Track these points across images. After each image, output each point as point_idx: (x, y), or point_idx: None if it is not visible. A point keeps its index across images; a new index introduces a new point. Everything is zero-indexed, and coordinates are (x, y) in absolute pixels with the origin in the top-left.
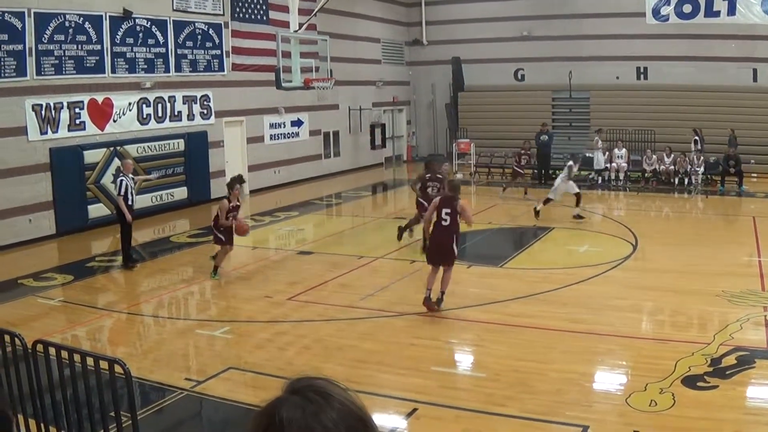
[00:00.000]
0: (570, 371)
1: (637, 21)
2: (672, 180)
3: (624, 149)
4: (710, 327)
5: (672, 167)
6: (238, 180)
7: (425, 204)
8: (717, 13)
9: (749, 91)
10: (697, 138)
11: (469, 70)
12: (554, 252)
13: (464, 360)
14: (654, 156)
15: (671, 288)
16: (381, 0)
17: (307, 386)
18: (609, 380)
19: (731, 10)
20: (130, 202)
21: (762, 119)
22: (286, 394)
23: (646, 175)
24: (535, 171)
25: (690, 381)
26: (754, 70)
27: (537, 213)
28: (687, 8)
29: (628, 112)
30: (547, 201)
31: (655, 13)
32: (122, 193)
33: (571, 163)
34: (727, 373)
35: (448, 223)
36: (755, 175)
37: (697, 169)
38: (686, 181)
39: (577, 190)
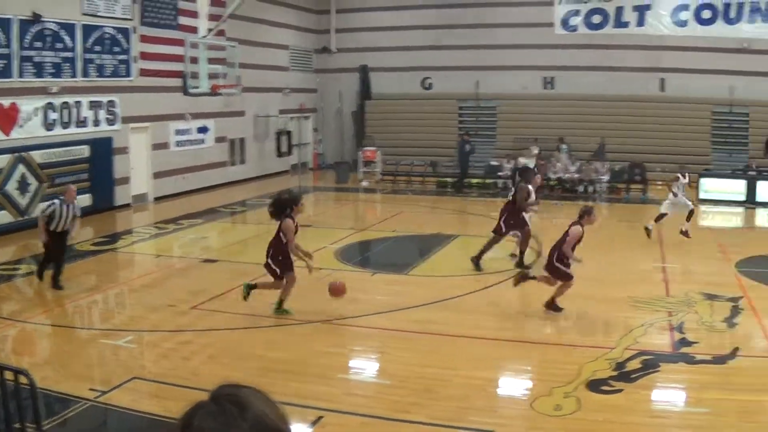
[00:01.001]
0: (475, 377)
1: (546, 31)
2: (576, 188)
3: (532, 158)
4: (615, 332)
5: (577, 175)
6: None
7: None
8: (626, 24)
9: (656, 101)
10: (600, 146)
11: (377, 78)
12: (460, 259)
13: (370, 367)
14: (558, 164)
15: (577, 294)
16: (291, 7)
17: (227, 395)
18: (514, 385)
19: (641, 21)
20: (53, 227)
21: (668, 128)
22: (207, 401)
23: (551, 183)
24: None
25: (595, 385)
26: (662, 80)
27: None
28: (596, 19)
29: (536, 121)
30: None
31: (564, 23)
32: (47, 214)
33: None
34: (632, 376)
35: None
36: (660, 182)
37: (602, 177)
38: (591, 188)
39: (692, 206)
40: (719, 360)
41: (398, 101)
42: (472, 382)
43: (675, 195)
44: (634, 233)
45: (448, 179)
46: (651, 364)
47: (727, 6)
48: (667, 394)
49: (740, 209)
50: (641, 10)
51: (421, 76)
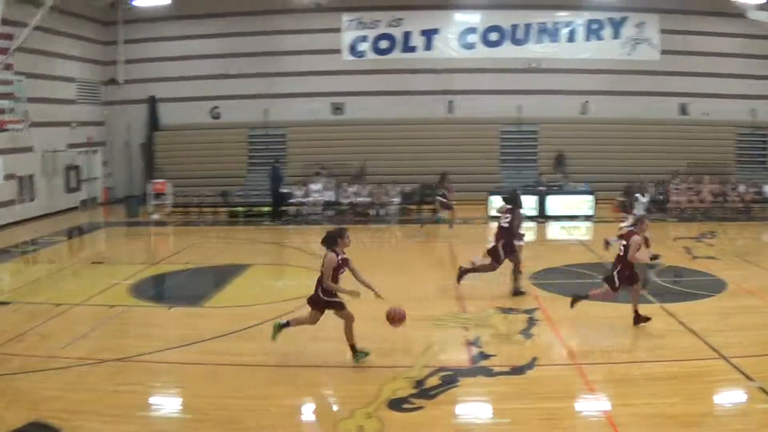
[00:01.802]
0: (277, 404)
1: (335, 57)
2: (368, 211)
3: (320, 183)
4: (414, 350)
5: (368, 199)
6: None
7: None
8: (414, 49)
9: (446, 122)
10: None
11: (166, 109)
12: (254, 288)
13: (169, 403)
14: (350, 189)
15: (374, 315)
16: (78, 38)
17: None
18: (316, 410)
19: (428, 45)
20: None
21: (458, 149)
22: None
23: (343, 207)
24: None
25: (396, 404)
26: (450, 102)
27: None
28: (384, 44)
29: (324, 147)
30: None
31: (353, 49)
32: None
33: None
34: (432, 393)
35: None
36: (453, 202)
37: (393, 199)
38: (382, 211)
39: None
40: (518, 371)
41: (187, 131)
42: (274, 409)
43: None
44: (427, 253)
45: (239, 208)
46: (450, 379)
47: (515, 27)
48: (468, 408)
49: (532, 224)
50: (429, 35)
51: (209, 106)
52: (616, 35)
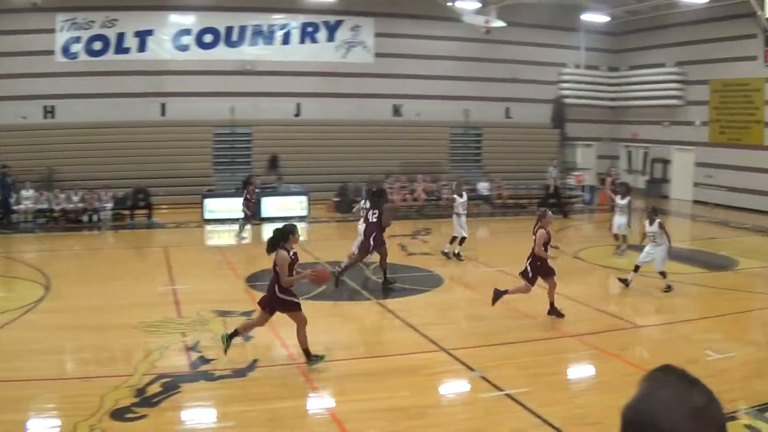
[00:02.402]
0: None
1: (48, 59)
2: (80, 218)
3: (32, 190)
4: (133, 358)
5: (81, 204)
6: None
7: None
8: (128, 50)
9: (158, 125)
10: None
11: None
12: None
13: None
14: (62, 195)
15: (91, 325)
16: None
17: None
18: (37, 426)
19: (142, 47)
20: None
21: (171, 152)
22: None
23: (54, 214)
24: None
25: (118, 414)
26: (163, 105)
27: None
28: (97, 45)
29: (36, 152)
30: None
31: (65, 51)
32: None
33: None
34: (154, 401)
35: None
36: (165, 206)
37: (105, 205)
38: (95, 217)
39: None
40: (240, 373)
41: None
42: None
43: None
44: (142, 258)
45: None
46: (171, 386)
47: (229, 30)
48: (192, 414)
49: (246, 226)
50: (143, 36)
51: None
52: (331, 38)
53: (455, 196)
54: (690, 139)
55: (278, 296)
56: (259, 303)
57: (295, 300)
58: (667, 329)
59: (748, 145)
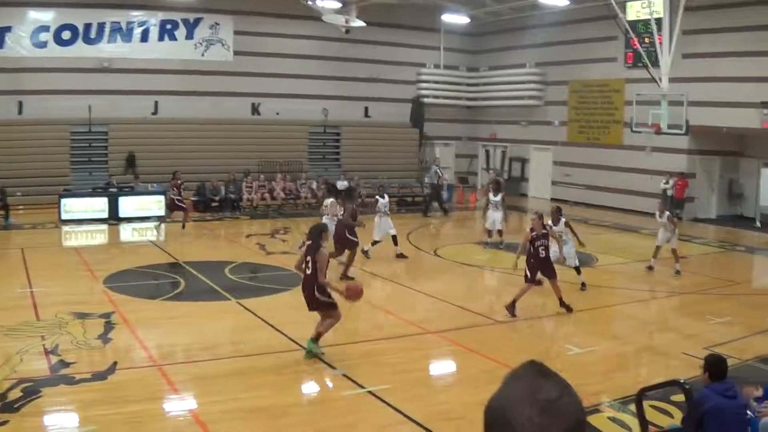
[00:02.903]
0: None
1: None
2: None
3: None
4: None
5: None
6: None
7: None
8: None
9: (15, 124)
10: None
11: None
12: None
13: None
14: None
15: None
16: None
17: None
18: None
19: (0, 44)
20: None
21: (28, 151)
22: None
23: None
24: None
25: None
26: (20, 102)
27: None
28: None
29: None
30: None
31: None
32: None
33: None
34: (15, 406)
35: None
36: (21, 207)
37: None
38: None
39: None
40: (100, 376)
41: None
42: None
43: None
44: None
45: None
46: (32, 390)
47: (88, 27)
48: (54, 418)
49: (104, 226)
50: (1, 32)
51: None
52: (189, 36)
53: (377, 197)
54: (548, 139)
55: (316, 297)
56: (310, 309)
57: (332, 301)
58: (528, 324)
59: (606, 144)
